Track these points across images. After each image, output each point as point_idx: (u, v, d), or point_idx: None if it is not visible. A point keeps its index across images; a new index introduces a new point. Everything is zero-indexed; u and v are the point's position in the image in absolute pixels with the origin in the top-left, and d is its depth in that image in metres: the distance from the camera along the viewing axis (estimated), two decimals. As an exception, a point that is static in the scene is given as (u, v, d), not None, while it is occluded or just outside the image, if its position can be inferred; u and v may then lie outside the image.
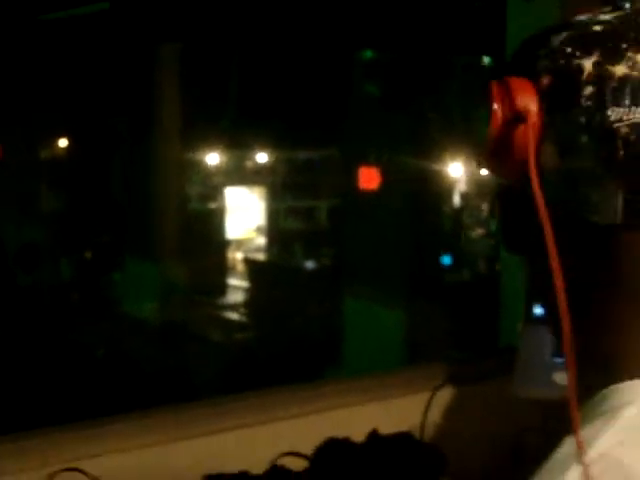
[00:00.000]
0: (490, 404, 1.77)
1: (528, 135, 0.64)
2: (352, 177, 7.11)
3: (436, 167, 7.41)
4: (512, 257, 2.05)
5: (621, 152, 0.62)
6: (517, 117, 0.65)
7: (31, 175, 8.01)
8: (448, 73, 7.67)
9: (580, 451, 0.60)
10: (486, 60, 7.42)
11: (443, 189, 8.01)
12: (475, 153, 0.70)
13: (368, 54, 7.40)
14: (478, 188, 8.61)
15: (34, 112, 7.40)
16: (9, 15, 6.54)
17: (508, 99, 0.65)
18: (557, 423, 1.83)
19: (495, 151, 0.67)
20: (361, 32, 6.58)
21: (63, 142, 8.60)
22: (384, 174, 6.88)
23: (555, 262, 0.62)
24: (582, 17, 0.68)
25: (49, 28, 7.04)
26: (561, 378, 1.52)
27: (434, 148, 7.12)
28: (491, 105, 0.66)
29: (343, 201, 8.05)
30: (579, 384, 0.71)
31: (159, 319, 7.16)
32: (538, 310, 1.62)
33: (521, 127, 0.65)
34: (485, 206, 8.91)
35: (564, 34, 0.67)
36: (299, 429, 1.62)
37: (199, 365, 6.38)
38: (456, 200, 8.61)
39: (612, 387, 0.65)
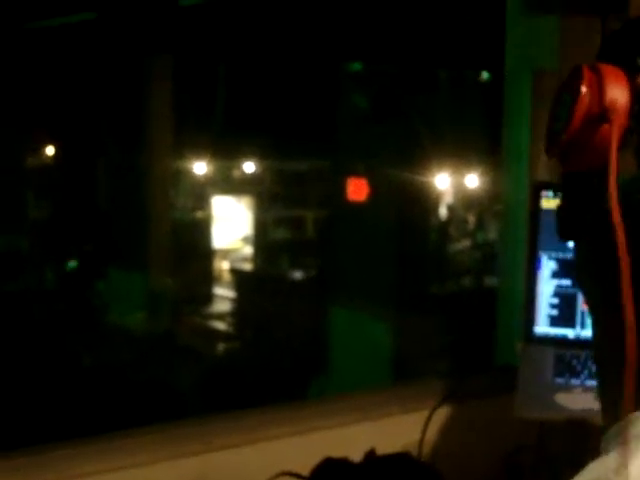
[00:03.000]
0: (488, 422, 1.76)
1: (613, 134, 0.59)
2: (340, 188, 7.11)
3: (424, 179, 7.42)
4: (510, 272, 2.04)
5: None
6: (604, 112, 0.60)
7: (17, 182, 7.96)
8: (435, 86, 7.70)
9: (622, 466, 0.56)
10: (476, 73, 7.45)
11: (430, 201, 8.02)
12: (548, 138, 0.64)
13: (356, 66, 7.41)
14: (465, 200, 8.63)
15: (21, 120, 7.36)
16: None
17: (598, 88, 0.60)
18: (553, 443, 1.81)
19: (573, 140, 0.62)
20: (349, 44, 6.58)
21: (50, 150, 8.56)
22: (372, 185, 6.88)
23: (625, 264, 0.57)
24: None
25: (37, 37, 7.01)
26: (563, 399, 1.51)
27: (422, 160, 7.13)
28: (579, 90, 0.60)
29: (331, 212, 8.04)
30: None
31: (145, 329, 7.12)
32: (538, 329, 1.61)
33: (605, 124, 0.60)
34: (471, 218, 8.93)
35: None
36: (295, 448, 1.59)
37: (185, 375, 6.34)
38: (443, 212, 8.63)
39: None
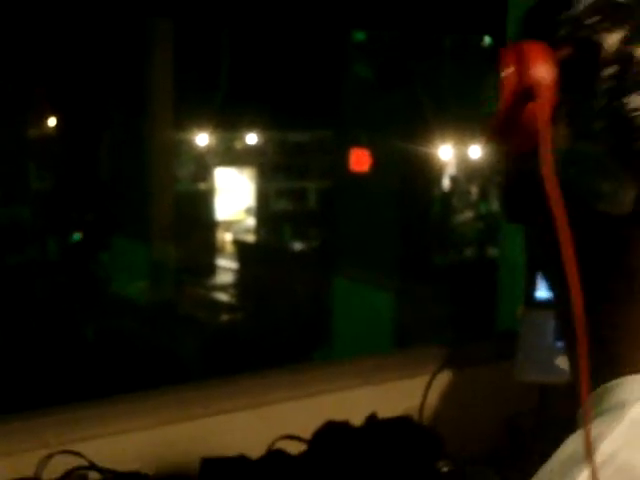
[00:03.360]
0: (487, 387, 1.77)
1: (541, 111, 0.58)
2: (343, 159, 7.10)
3: (427, 150, 7.40)
4: (511, 240, 2.04)
5: (638, 144, 0.57)
6: (530, 89, 0.59)
7: (19, 153, 7.96)
8: (439, 53, 7.65)
9: (589, 452, 0.57)
10: (479, 39, 7.40)
11: (433, 172, 8.01)
12: (482, 124, 0.63)
13: (360, 36, 7.37)
14: (468, 171, 8.61)
15: (23, 90, 7.34)
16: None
17: (522, 67, 0.59)
18: (553, 406, 1.82)
19: (504, 122, 0.60)
20: (352, 11, 6.52)
21: (52, 121, 8.54)
22: (375, 156, 6.87)
23: (567, 239, 0.57)
24: None
25: (37, 3, 6.96)
26: (563, 362, 1.51)
27: (425, 131, 7.11)
28: (501, 72, 0.59)
29: (334, 183, 8.04)
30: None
31: (148, 299, 7.14)
32: (539, 294, 1.61)
33: (534, 101, 0.59)
34: (474, 189, 8.92)
35: None
36: (296, 412, 1.60)
37: (188, 345, 6.37)
38: (446, 183, 8.62)
39: (615, 381, 0.62)
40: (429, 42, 7.17)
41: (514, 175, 0.66)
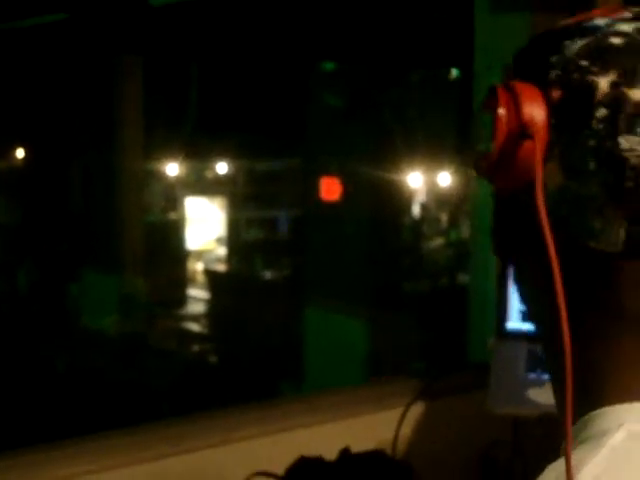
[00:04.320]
0: (462, 418, 1.77)
1: (536, 151, 0.60)
2: (313, 187, 7.11)
3: (396, 177, 7.44)
4: (482, 269, 2.04)
5: (629, 183, 0.58)
6: (524, 129, 0.60)
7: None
8: (407, 84, 7.71)
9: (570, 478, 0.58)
10: (446, 71, 7.47)
11: (403, 199, 8.04)
12: (474, 161, 0.65)
13: (329, 65, 7.41)
14: (437, 198, 8.66)
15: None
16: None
17: (515, 107, 0.61)
18: (526, 437, 1.82)
19: (498, 161, 0.62)
20: (321, 44, 6.58)
21: (20, 152, 8.49)
22: (345, 185, 6.89)
23: (558, 281, 0.58)
24: (599, 22, 0.63)
25: (6, 38, 6.94)
26: (535, 394, 1.51)
27: (394, 158, 7.15)
28: (496, 112, 0.61)
29: (304, 211, 8.04)
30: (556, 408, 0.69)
31: (118, 332, 7.08)
32: (510, 325, 1.61)
33: (527, 140, 0.60)
34: (444, 216, 8.97)
35: (578, 42, 0.62)
36: (269, 448, 1.59)
37: (158, 377, 6.31)
38: (416, 210, 8.66)
39: (597, 412, 0.63)
40: (398, 72, 7.23)
41: (504, 212, 0.68)
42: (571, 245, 0.62)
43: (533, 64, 0.64)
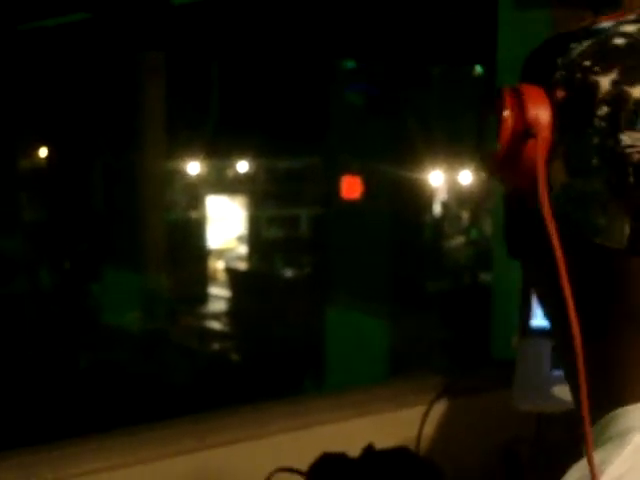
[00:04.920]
0: (485, 416, 1.76)
1: (538, 150, 0.62)
2: (334, 186, 7.12)
3: (417, 176, 7.44)
4: (505, 267, 2.04)
5: (631, 179, 0.60)
6: (528, 129, 0.62)
7: (10, 185, 7.95)
8: (428, 82, 7.71)
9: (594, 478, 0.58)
10: (469, 68, 7.46)
11: (424, 197, 8.04)
12: (482, 160, 0.67)
13: (350, 63, 7.42)
14: (458, 196, 8.65)
15: (14, 122, 7.35)
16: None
17: (520, 109, 0.63)
18: (550, 434, 1.81)
19: (504, 161, 0.64)
20: (342, 42, 6.59)
21: (43, 152, 8.55)
22: (366, 183, 6.89)
23: (564, 278, 0.59)
24: (605, 24, 0.64)
25: (29, 38, 7.00)
26: (560, 391, 1.51)
27: (416, 157, 7.14)
28: (501, 113, 0.63)
29: (325, 210, 8.05)
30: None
31: (140, 329, 7.12)
32: (534, 322, 1.61)
33: (532, 139, 0.62)
34: (465, 214, 8.95)
35: (584, 44, 0.63)
36: (293, 444, 1.59)
37: (179, 374, 6.35)
38: (437, 209, 8.65)
39: (619, 410, 0.63)
40: (419, 70, 7.22)
41: (514, 213, 0.70)
42: (578, 243, 0.63)
43: (540, 66, 0.65)
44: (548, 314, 0.71)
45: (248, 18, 6.37)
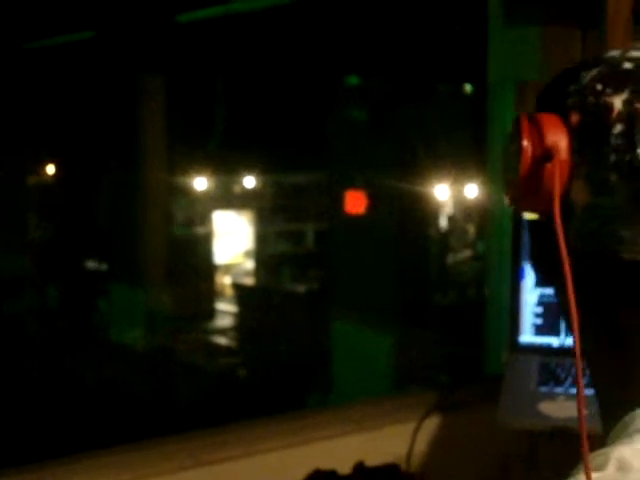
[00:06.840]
0: (476, 432, 1.76)
1: (555, 172, 0.65)
2: (339, 201, 7.12)
3: (423, 190, 7.43)
4: (498, 283, 2.04)
5: None
6: (546, 154, 0.65)
7: (18, 202, 7.99)
8: (429, 98, 7.72)
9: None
10: (467, 87, 7.47)
11: (430, 212, 8.02)
12: (505, 190, 0.70)
13: (353, 80, 7.44)
14: (464, 210, 8.63)
15: (21, 139, 7.39)
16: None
17: (538, 136, 0.66)
18: (543, 452, 1.81)
19: (525, 187, 0.67)
20: (346, 58, 6.62)
21: (51, 169, 8.59)
22: (371, 198, 6.89)
23: (571, 296, 0.63)
24: (614, 53, 0.69)
25: (35, 56, 7.05)
26: (547, 408, 1.51)
27: (420, 171, 7.14)
28: (521, 141, 0.66)
29: (331, 225, 8.05)
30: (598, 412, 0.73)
31: (147, 346, 7.12)
32: (523, 338, 1.62)
33: (550, 164, 0.65)
34: (471, 228, 8.93)
35: (594, 71, 0.67)
36: (285, 461, 1.60)
37: (186, 391, 6.34)
38: (443, 222, 8.63)
39: (634, 413, 0.67)
40: (421, 86, 7.24)
41: (541, 240, 0.73)
42: (605, 258, 0.66)
43: (554, 95, 0.69)
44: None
45: (252, 35, 6.40)
